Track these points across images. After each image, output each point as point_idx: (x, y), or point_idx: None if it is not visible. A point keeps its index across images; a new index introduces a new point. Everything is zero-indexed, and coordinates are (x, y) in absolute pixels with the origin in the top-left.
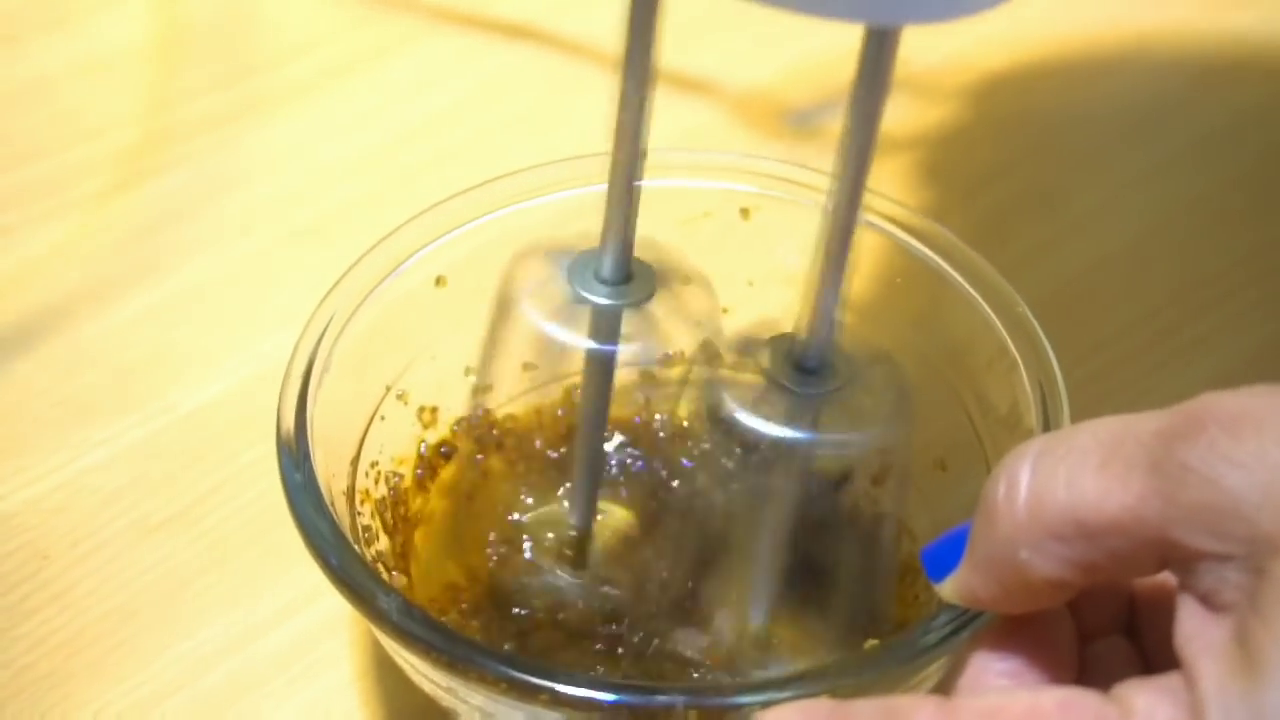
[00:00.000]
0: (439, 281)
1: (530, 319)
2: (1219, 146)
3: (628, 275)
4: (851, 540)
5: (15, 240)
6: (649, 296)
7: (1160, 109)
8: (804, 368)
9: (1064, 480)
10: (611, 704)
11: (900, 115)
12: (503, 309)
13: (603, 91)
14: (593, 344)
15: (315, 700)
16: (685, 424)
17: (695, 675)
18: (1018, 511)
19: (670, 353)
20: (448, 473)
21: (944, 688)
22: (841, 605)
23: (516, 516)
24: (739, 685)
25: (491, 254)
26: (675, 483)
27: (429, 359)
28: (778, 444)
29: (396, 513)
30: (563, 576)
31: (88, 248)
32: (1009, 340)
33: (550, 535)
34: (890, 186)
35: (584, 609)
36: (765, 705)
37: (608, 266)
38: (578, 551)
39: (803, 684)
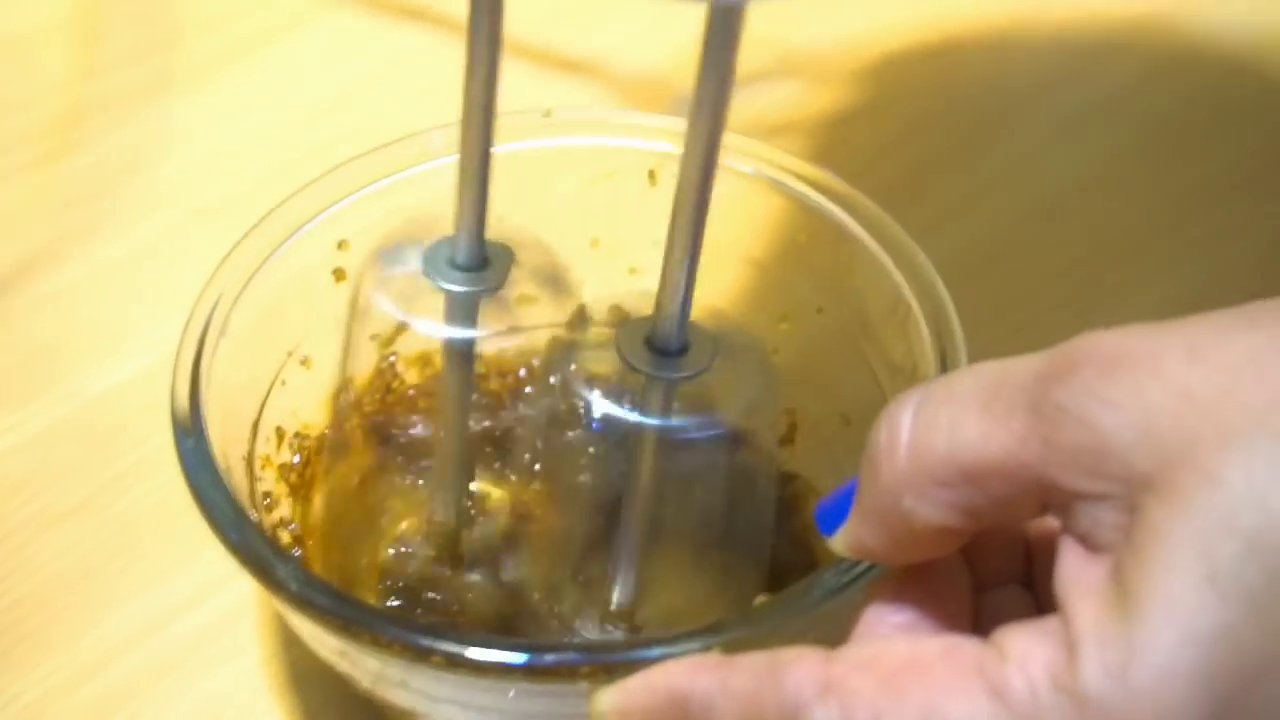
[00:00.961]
0: (341, 245)
1: (386, 311)
2: (1121, 110)
3: (484, 260)
4: (729, 511)
5: None
6: (504, 279)
7: (1065, 75)
8: (662, 350)
9: (945, 425)
10: (515, 666)
11: (796, 97)
12: (359, 304)
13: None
14: (450, 332)
15: (227, 683)
16: (547, 409)
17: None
18: (900, 459)
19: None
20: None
21: (838, 642)
22: (725, 570)
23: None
24: (632, 642)
25: (386, 219)
26: (539, 465)
27: (332, 324)
28: (629, 429)
29: (303, 476)
30: (439, 573)
31: None
32: (910, 293)
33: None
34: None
35: (471, 603)
36: (657, 660)
37: (462, 252)
38: (452, 543)
39: (695, 639)
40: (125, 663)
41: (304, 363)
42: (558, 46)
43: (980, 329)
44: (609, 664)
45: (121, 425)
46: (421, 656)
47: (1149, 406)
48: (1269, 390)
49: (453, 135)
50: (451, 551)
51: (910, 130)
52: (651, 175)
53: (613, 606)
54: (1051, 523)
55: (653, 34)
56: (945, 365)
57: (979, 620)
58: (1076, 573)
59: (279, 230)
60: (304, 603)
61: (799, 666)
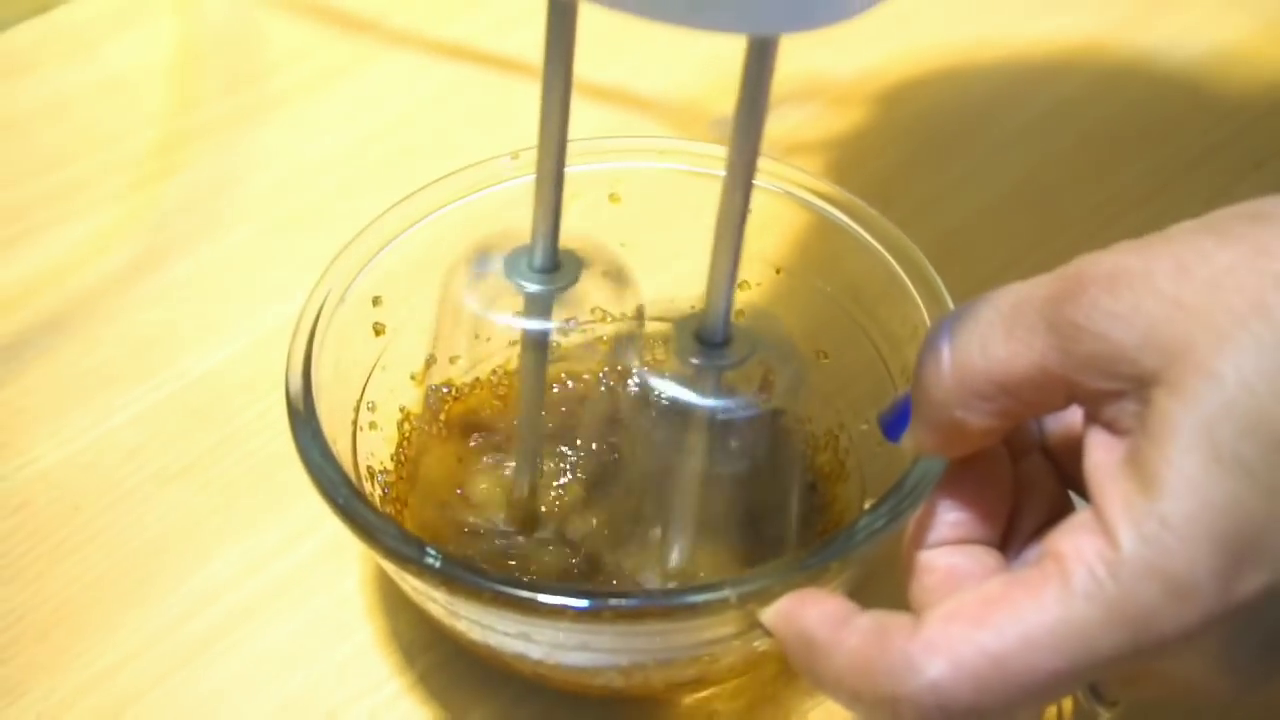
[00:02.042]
0: (431, 250)
1: (472, 307)
2: (1063, 121)
3: (556, 264)
4: (762, 479)
5: (43, 238)
6: (574, 281)
7: (1017, 91)
8: (709, 342)
9: (978, 349)
10: (583, 609)
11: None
12: (450, 300)
13: (534, 98)
14: (528, 325)
15: (316, 614)
16: (610, 396)
17: None
18: (945, 380)
19: (596, 331)
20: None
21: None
22: (764, 526)
23: (464, 489)
24: (669, 590)
25: (470, 228)
26: (606, 441)
27: (424, 319)
28: (683, 409)
29: (402, 451)
30: (516, 538)
31: (105, 241)
32: (903, 275)
33: (499, 502)
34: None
35: (540, 565)
36: (745, 596)
37: (538, 257)
38: (526, 512)
39: (775, 575)
40: (229, 599)
41: (398, 350)
42: (597, 76)
43: (960, 301)
44: (654, 608)
45: (220, 400)
46: (503, 602)
47: (1149, 316)
48: (1247, 298)
49: (515, 162)
50: (527, 518)
51: (887, 140)
52: (612, 196)
53: (671, 563)
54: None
55: (689, 62)
56: None
57: (1018, 487)
58: (1103, 459)
59: (379, 236)
60: (404, 559)
61: (900, 633)
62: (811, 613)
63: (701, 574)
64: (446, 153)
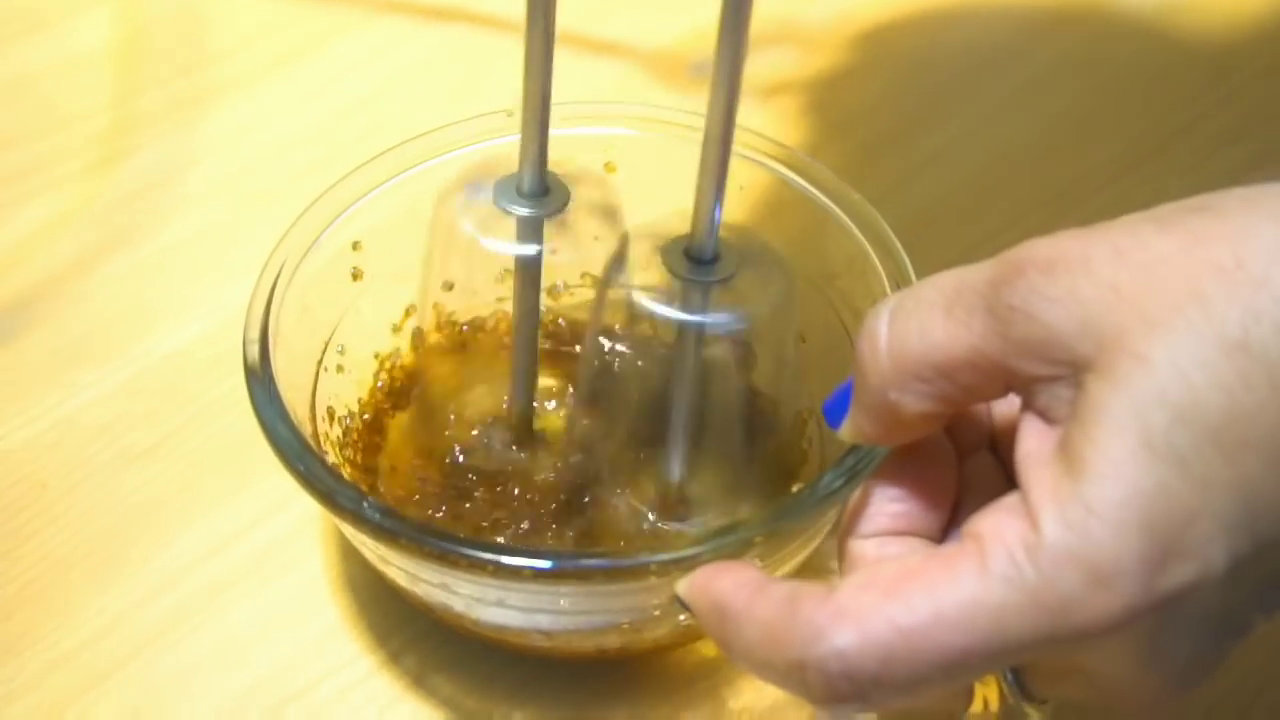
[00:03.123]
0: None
1: (466, 232)
2: (1039, 95)
3: (545, 189)
4: (748, 407)
5: (5, 218)
6: (564, 205)
7: (1003, 54)
8: (697, 259)
9: (916, 331)
10: (543, 570)
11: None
12: (440, 228)
13: (516, 63)
14: (520, 249)
15: (284, 593)
16: (605, 316)
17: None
18: (882, 362)
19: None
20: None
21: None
22: (742, 459)
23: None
24: (689, 539)
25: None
26: (599, 363)
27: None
28: (678, 325)
29: (365, 411)
30: (510, 455)
31: (70, 220)
32: (870, 249)
33: (494, 422)
34: (774, 125)
35: (531, 481)
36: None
37: (526, 183)
38: (520, 431)
39: (732, 534)
40: (196, 578)
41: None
42: (584, 30)
43: None
44: (621, 569)
45: (188, 378)
46: (458, 563)
47: (1084, 301)
48: (1184, 285)
49: (481, 125)
50: (521, 434)
51: (870, 103)
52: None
53: (667, 477)
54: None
55: (669, 17)
56: None
57: (963, 485)
58: (1033, 447)
59: (331, 207)
60: (361, 521)
61: (811, 600)
62: (724, 582)
63: (697, 497)
64: (419, 126)
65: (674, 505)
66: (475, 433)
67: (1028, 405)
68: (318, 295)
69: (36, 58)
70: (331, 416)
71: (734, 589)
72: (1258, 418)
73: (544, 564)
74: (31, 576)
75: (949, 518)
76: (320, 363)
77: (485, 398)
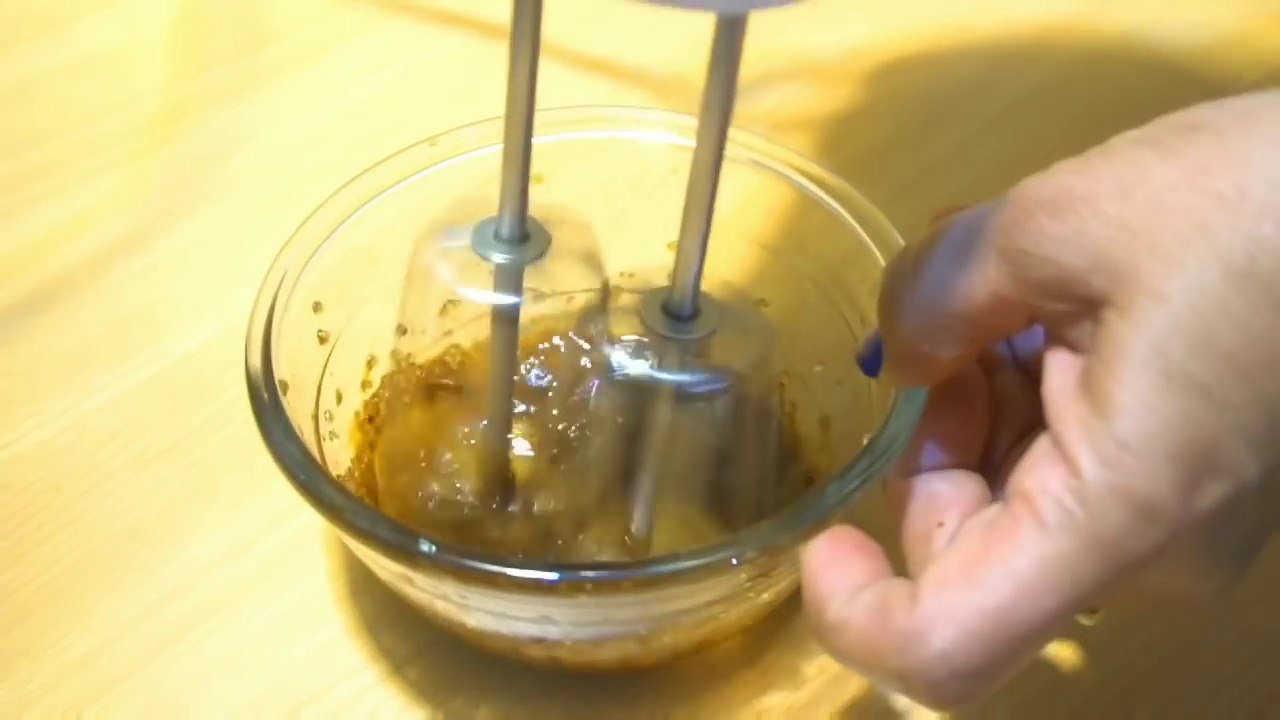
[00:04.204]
0: (393, 228)
1: (441, 280)
2: (1046, 103)
3: (525, 235)
4: (734, 453)
5: (23, 216)
6: (544, 251)
7: (996, 74)
8: (676, 316)
9: (934, 284)
10: (552, 582)
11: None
12: (417, 270)
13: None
14: (497, 298)
15: (296, 598)
16: (579, 360)
17: None
18: (906, 318)
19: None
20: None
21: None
22: (730, 505)
23: (447, 456)
24: (697, 550)
25: (435, 202)
26: (573, 416)
27: (385, 293)
28: (648, 383)
29: (364, 424)
30: (484, 507)
31: (83, 222)
32: (880, 257)
33: (467, 472)
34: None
35: (508, 533)
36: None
37: (506, 227)
38: (496, 482)
39: (759, 539)
40: (208, 584)
41: (361, 329)
42: (581, 45)
43: None
44: (619, 580)
45: (202, 381)
46: (462, 575)
47: (1094, 239)
48: (1189, 219)
49: (486, 130)
50: (494, 487)
51: (871, 119)
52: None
53: (630, 533)
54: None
55: (673, 32)
56: None
57: (995, 407)
58: (1060, 385)
59: (336, 213)
60: (365, 534)
61: (899, 611)
62: (824, 584)
63: (662, 547)
64: (432, 127)
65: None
66: (444, 489)
67: (1054, 338)
68: (299, 363)
69: (55, 57)
70: (340, 397)
71: (830, 592)
72: (1269, 339)
73: (592, 574)
74: (45, 580)
75: (986, 444)
76: (317, 433)
77: (459, 448)
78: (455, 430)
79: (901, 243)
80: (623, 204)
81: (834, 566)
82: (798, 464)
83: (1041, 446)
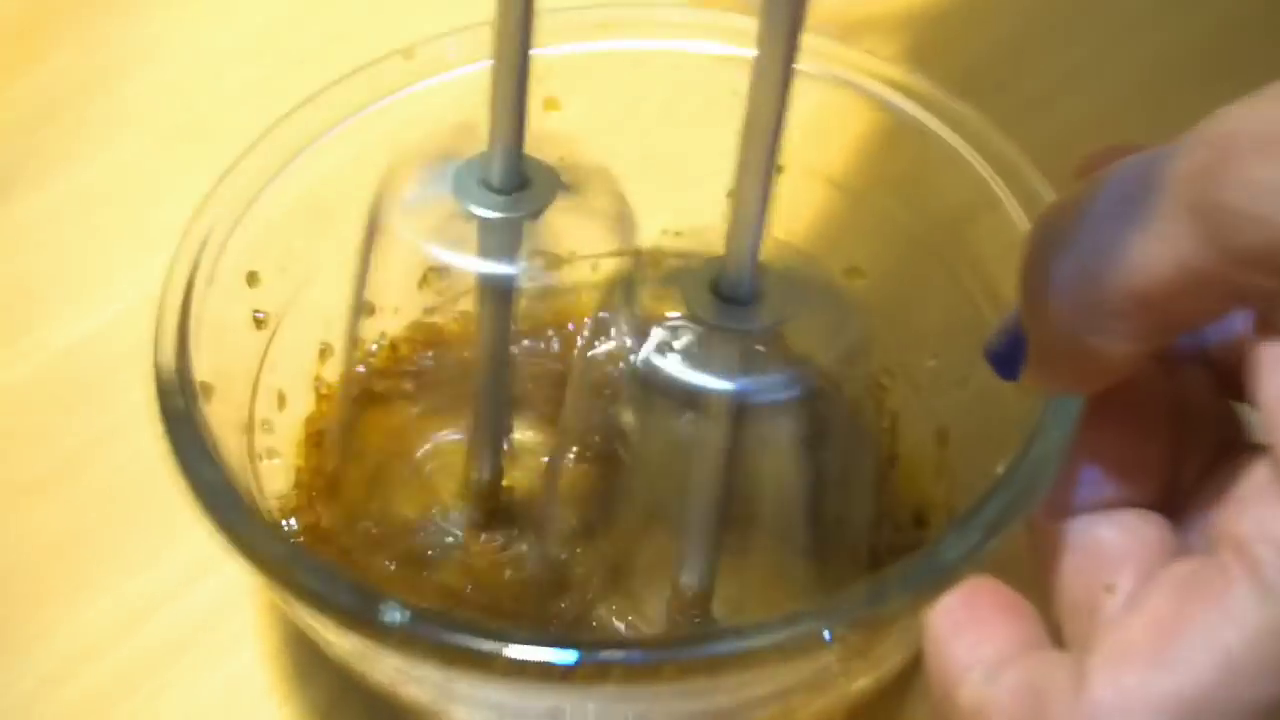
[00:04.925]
0: (352, 167)
1: (409, 241)
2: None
3: (523, 180)
4: (819, 485)
5: None
6: (548, 203)
7: None
8: (731, 298)
9: (1103, 253)
10: (568, 666)
11: None
12: (381, 227)
13: None
14: (484, 265)
15: (224, 686)
16: (602, 361)
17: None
18: (1063, 300)
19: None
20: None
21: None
22: (815, 555)
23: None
24: (699, 636)
25: (405, 135)
26: (594, 426)
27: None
28: (696, 393)
29: (314, 438)
30: (473, 546)
31: None
32: (998, 185)
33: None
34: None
35: (499, 576)
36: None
37: (497, 171)
38: (485, 509)
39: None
40: (102, 664)
41: (311, 309)
42: None
43: None
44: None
45: (93, 382)
46: (443, 654)
47: None
48: None
49: (472, 39)
50: (486, 518)
51: (983, 20)
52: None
53: (678, 589)
54: None
55: None
56: None
57: (1178, 418)
58: (1278, 390)
59: (278, 152)
60: (310, 596)
61: (1058, 695)
62: (956, 657)
63: (718, 613)
64: (383, 38)
65: (694, 617)
66: (427, 515)
67: (1265, 324)
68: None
69: None
70: (283, 400)
71: (964, 667)
72: None
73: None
74: None
75: (1168, 472)
76: (250, 452)
77: (437, 461)
78: (436, 442)
79: (1045, 190)
80: (659, 136)
81: (968, 633)
82: (904, 496)
83: (1258, 477)
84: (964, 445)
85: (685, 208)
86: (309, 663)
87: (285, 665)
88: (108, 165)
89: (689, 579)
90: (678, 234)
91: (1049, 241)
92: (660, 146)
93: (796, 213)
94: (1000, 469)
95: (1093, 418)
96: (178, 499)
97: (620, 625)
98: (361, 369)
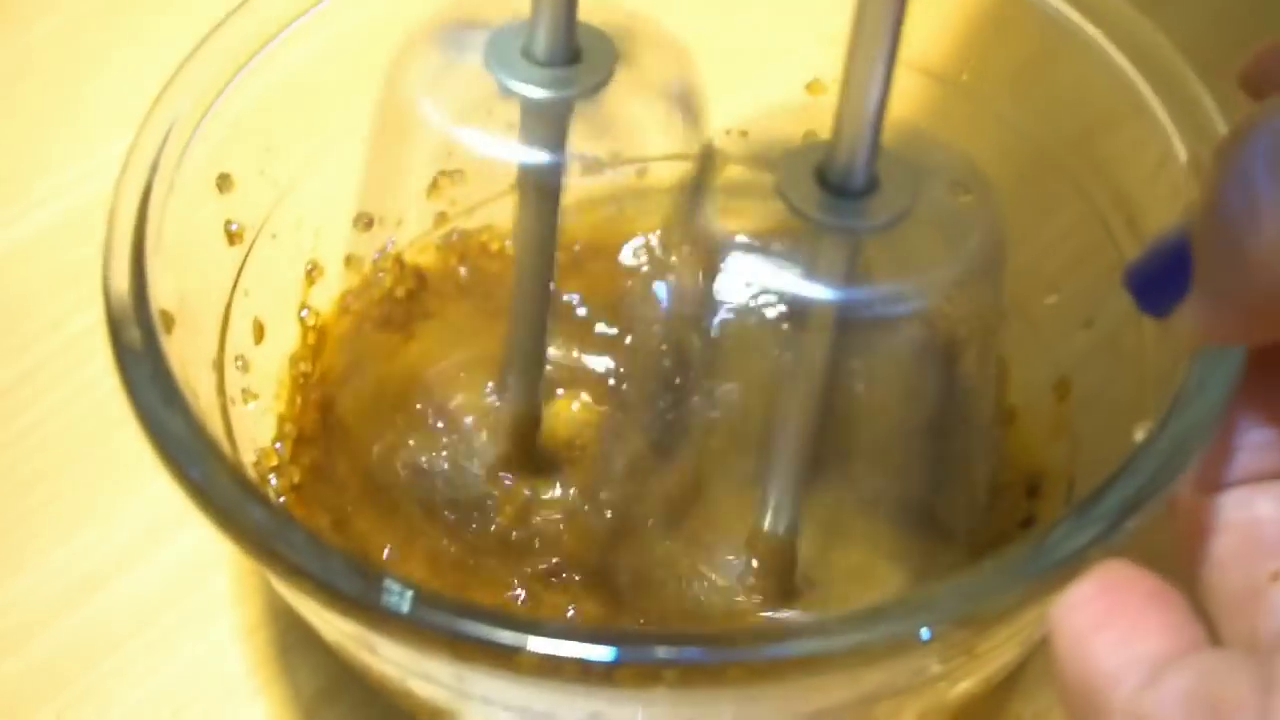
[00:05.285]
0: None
1: (435, 123)
2: None
3: (574, 52)
4: (933, 419)
5: None
6: (605, 81)
7: None
8: (842, 190)
9: None
10: (607, 664)
11: None
12: (395, 110)
13: None
14: (528, 154)
15: (196, 661)
16: (671, 267)
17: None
18: (1268, 226)
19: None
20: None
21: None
22: (923, 505)
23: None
24: (790, 628)
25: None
26: (657, 352)
27: (319, 167)
28: (801, 304)
29: (302, 377)
30: (502, 483)
31: None
32: (1148, 91)
33: (484, 426)
34: None
35: (541, 538)
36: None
37: (543, 40)
38: (521, 448)
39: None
40: (44, 639)
41: (297, 220)
42: None
43: None
44: (751, 663)
45: (26, 304)
46: (457, 646)
47: None
48: None
49: None
50: (524, 456)
51: None
52: None
53: (762, 536)
54: None
55: None
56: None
57: None
58: None
59: (256, 24)
60: (298, 572)
61: (1242, 710)
62: (1100, 659)
63: (812, 581)
64: None
65: (783, 580)
66: (450, 456)
67: None
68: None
69: None
70: (261, 330)
71: (1114, 671)
72: None
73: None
74: None
75: None
76: (222, 392)
77: (467, 393)
78: (453, 379)
79: (1205, 95)
80: (731, 20)
81: (1111, 630)
82: (1015, 458)
83: None
84: (1088, 399)
85: (755, 100)
86: (296, 639)
87: (267, 641)
88: (40, 39)
89: (773, 522)
90: (744, 133)
91: (1263, 153)
92: (718, 28)
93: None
94: (1138, 433)
95: (1257, 373)
96: (136, 443)
97: (687, 583)
98: (364, 294)
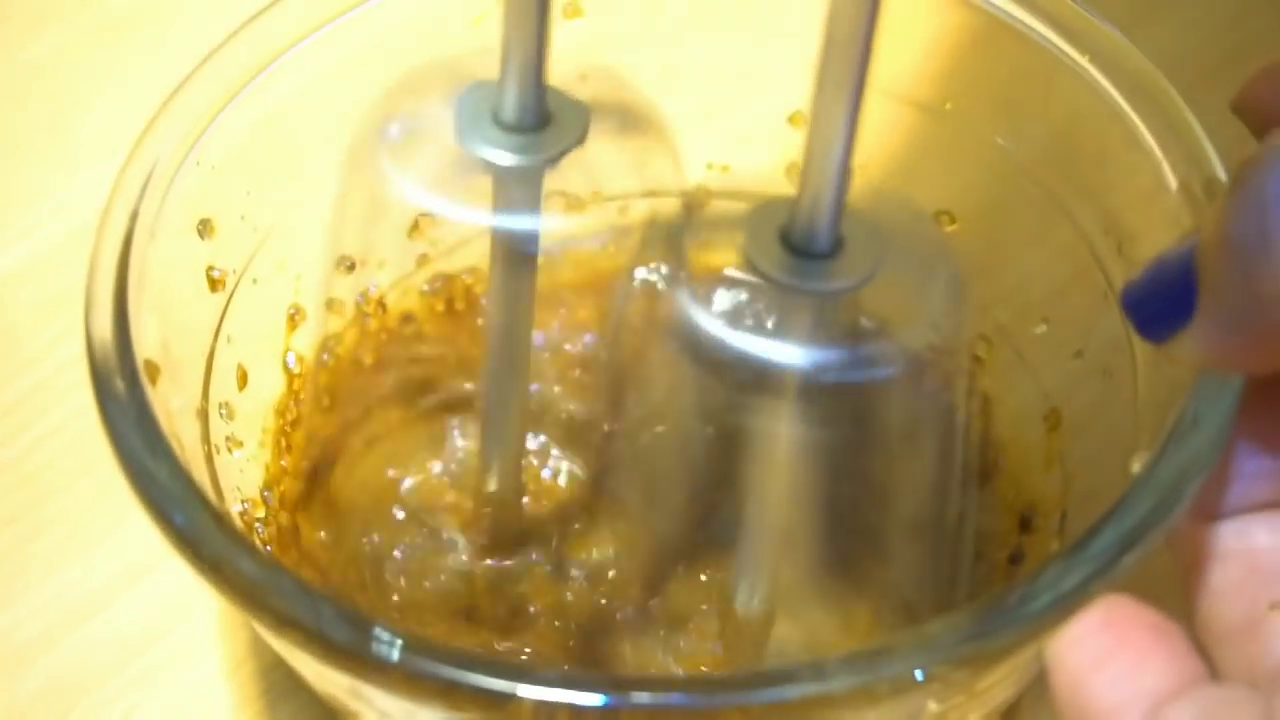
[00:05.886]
0: (330, 80)
1: (399, 188)
2: None
3: (545, 116)
4: (908, 480)
5: None
6: (577, 144)
7: None
8: (806, 251)
9: None
10: (598, 709)
11: None
12: (358, 171)
13: None
14: (499, 222)
15: (181, 698)
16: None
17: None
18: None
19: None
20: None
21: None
22: (903, 565)
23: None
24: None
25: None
26: (630, 420)
27: (300, 209)
28: (763, 367)
29: (286, 422)
30: (478, 563)
31: None
32: (1136, 118)
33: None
34: None
35: (527, 600)
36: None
37: (511, 104)
38: (505, 522)
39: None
40: (30, 677)
41: (279, 265)
42: None
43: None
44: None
45: (8, 335)
46: (448, 694)
47: None
48: None
49: None
50: (504, 531)
51: None
52: None
53: (732, 614)
54: None
55: None
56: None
57: None
58: None
59: (238, 66)
60: (286, 621)
61: None
62: (1100, 695)
63: (782, 639)
64: None
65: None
66: (428, 531)
67: None
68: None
69: None
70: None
71: (1113, 708)
72: None
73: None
74: None
75: None
76: (207, 441)
77: (443, 459)
78: (440, 430)
79: (1192, 119)
80: (711, 48)
81: (1112, 666)
82: (1005, 492)
83: None
84: (1080, 431)
85: (736, 139)
86: (282, 675)
87: (253, 677)
88: (24, 65)
89: (745, 597)
90: (725, 169)
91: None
92: (699, 57)
93: (868, 142)
94: (1135, 465)
95: (1255, 400)
96: (116, 478)
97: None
98: (345, 338)
